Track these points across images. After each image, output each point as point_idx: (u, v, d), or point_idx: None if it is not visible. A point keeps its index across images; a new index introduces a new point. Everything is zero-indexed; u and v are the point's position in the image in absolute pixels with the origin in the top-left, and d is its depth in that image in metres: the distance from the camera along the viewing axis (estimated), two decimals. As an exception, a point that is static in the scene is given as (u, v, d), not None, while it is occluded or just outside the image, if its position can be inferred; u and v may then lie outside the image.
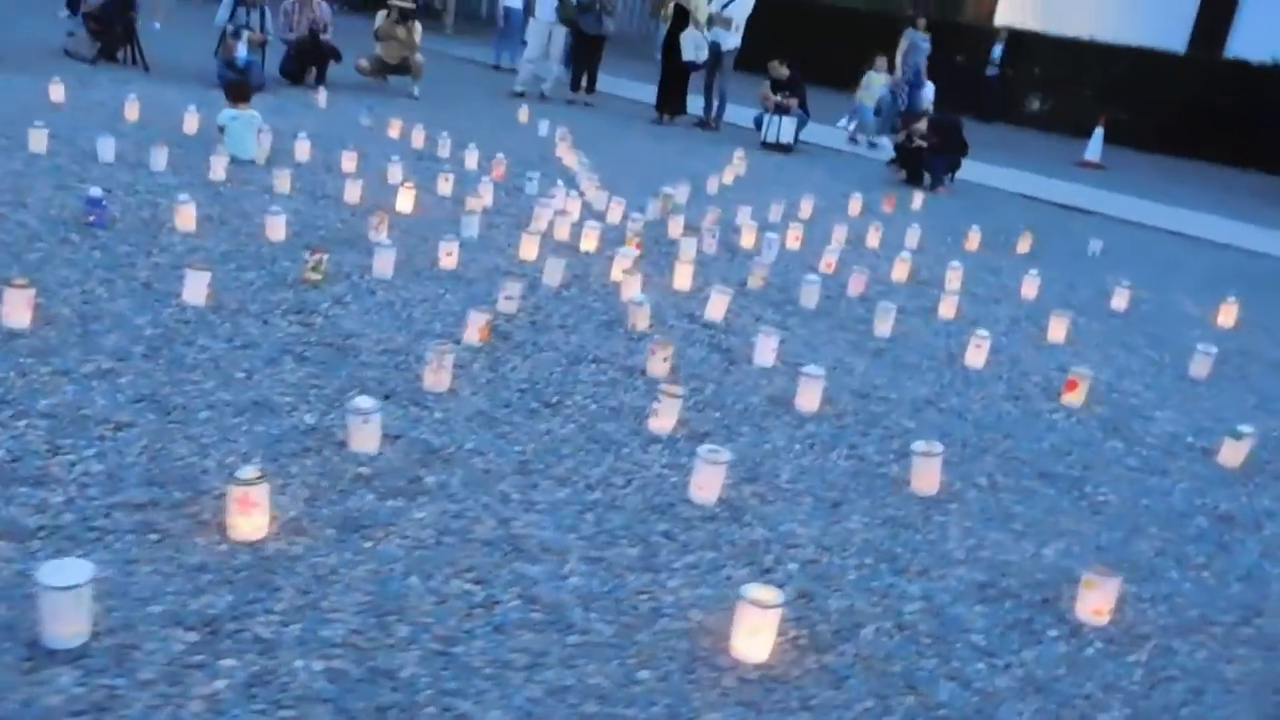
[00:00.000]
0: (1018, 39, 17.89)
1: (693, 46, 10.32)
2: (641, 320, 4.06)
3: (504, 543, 2.42)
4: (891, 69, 11.91)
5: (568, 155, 7.48)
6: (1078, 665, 2.29)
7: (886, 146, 10.38)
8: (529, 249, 4.78)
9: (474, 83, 12.10)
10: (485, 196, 5.72)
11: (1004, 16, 19.95)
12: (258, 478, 2.25)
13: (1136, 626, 2.47)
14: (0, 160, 5.07)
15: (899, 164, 9.16)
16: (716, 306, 4.34)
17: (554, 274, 4.47)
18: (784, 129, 9.86)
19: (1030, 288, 5.61)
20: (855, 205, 7.27)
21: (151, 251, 4.08)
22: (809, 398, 3.50)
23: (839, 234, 6.17)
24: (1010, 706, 2.11)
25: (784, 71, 10.03)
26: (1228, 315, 5.70)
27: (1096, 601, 2.46)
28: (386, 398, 3.09)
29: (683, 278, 4.73)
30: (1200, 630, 2.51)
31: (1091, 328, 5.22)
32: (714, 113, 10.88)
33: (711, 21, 10.57)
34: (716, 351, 3.97)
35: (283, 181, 5.32)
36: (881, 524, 2.80)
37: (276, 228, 4.48)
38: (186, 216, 4.41)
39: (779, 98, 9.94)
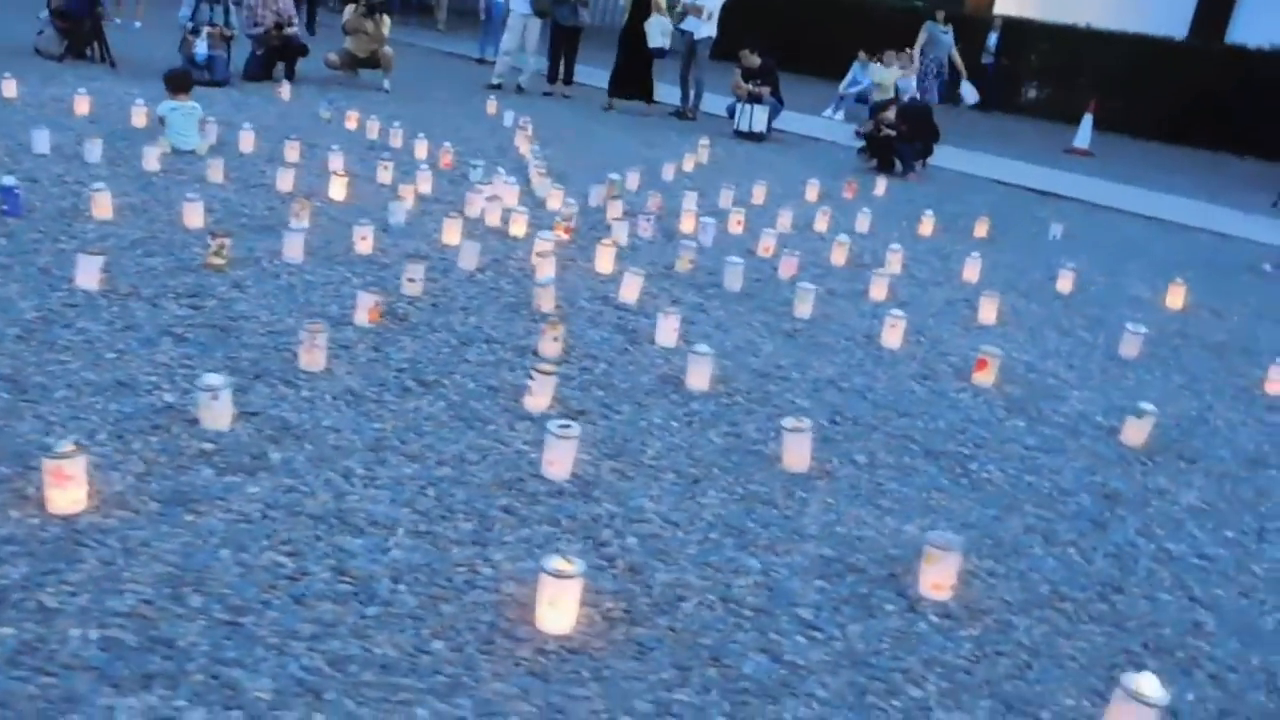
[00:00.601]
0: (1015, 27, 17.68)
1: (659, 32, 10.27)
2: (546, 302, 4.03)
3: (332, 517, 2.40)
4: (906, 62, 11.60)
5: (524, 145, 7.45)
6: (904, 640, 2.24)
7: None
8: (451, 234, 4.76)
9: (453, 76, 12.09)
10: (422, 184, 5.71)
11: (1004, 6, 19.73)
12: (71, 451, 2.23)
13: (979, 601, 2.43)
14: (-66, 152, 5.11)
15: (869, 153, 9.07)
16: (629, 288, 4.31)
17: (469, 258, 4.45)
18: (756, 117, 9.79)
19: (972, 271, 5.54)
20: (813, 191, 7.21)
21: (59, 239, 4.09)
22: (698, 376, 3.46)
23: (784, 218, 6.11)
24: (817, 679, 2.06)
25: (755, 60, 9.96)
26: (1175, 297, 5.60)
27: (936, 576, 2.41)
28: (256, 377, 3.08)
29: (604, 261, 4.70)
30: (1049, 606, 2.46)
31: (1030, 309, 5.15)
32: (690, 103, 10.83)
33: (684, 11, 10.53)
34: (621, 332, 3.94)
35: (215, 171, 5.33)
36: (739, 500, 2.75)
37: (194, 215, 4.48)
38: (103, 205, 4.42)
39: (751, 86, 9.88)
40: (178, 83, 5.83)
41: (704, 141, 8.48)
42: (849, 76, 13.57)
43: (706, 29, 10.52)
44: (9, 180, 4.28)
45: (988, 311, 4.79)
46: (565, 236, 5.05)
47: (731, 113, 10.07)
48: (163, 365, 3.08)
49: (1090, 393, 4.02)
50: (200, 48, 8.39)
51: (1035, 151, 12.39)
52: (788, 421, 2.99)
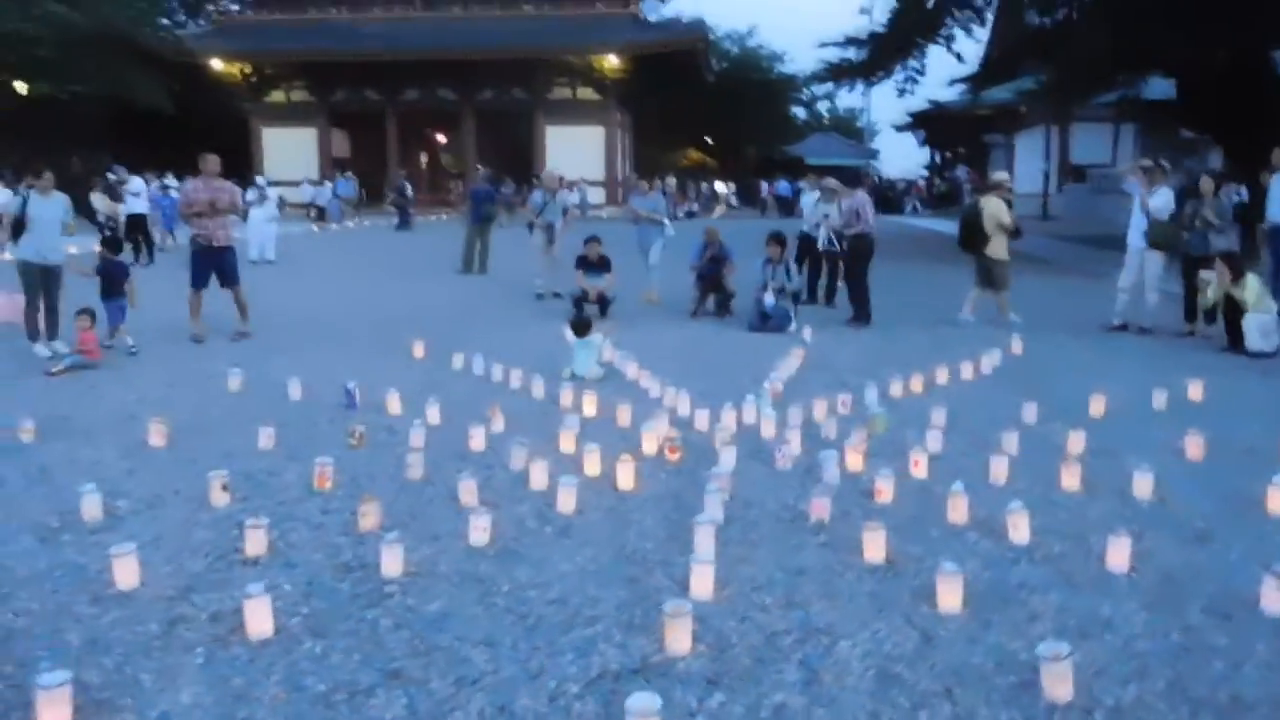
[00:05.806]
0: None
1: (1259, 334, 7.93)
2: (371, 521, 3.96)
3: None
4: None
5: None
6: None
7: None
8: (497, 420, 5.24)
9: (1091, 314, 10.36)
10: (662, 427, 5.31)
11: None
12: None
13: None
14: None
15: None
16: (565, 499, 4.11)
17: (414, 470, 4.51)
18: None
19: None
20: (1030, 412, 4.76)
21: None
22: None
23: (1000, 464, 4.44)
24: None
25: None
26: None
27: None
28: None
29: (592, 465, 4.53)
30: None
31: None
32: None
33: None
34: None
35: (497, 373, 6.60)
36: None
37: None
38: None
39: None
40: (579, 328, 7.09)
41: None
42: None
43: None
44: (351, 384, 5.93)
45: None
46: (672, 457, 4.80)
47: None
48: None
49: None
50: (768, 299, 9.47)
51: None
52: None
